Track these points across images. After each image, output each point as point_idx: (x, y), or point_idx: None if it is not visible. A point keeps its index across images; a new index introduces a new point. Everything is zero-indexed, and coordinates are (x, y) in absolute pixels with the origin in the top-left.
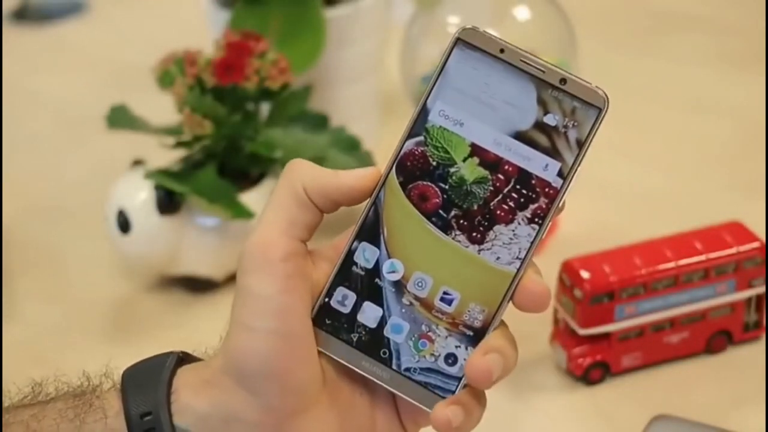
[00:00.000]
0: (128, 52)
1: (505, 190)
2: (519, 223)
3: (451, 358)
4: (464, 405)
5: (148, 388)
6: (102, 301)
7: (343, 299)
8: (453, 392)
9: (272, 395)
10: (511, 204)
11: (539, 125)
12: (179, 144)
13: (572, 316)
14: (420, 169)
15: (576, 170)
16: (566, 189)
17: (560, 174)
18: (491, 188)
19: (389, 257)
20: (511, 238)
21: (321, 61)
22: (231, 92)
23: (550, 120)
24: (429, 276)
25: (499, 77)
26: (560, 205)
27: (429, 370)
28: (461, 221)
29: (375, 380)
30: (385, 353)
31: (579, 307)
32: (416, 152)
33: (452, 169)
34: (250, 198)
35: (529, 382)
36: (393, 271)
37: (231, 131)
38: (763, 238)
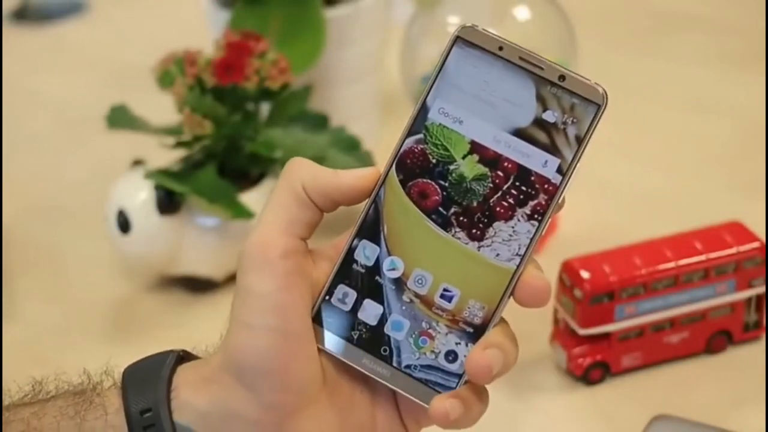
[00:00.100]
0: (128, 52)
1: (505, 187)
2: (518, 220)
3: (452, 355)
4: (463, 399)
5: (148, 385)
6: (102, 301)
7: (344, 297)
8: (453, 389)
9: (271, 392)
10: (511, 201)
11: (538, 122)
12: (179, 144)
13: (572, 316)
14: (420, 166)
15: (575, 167)
16: (566, 185)
17: (559, 170)
18: (491, 185)
19: (389, 255)
20: (510, 235)
21: (321, 61)
22: (231, 92)
23: (549, 117)
24: (429, 273)
25: (498, 75)
26: (560, 201)
27: (429, 367)
28: (461, 218)
29: (375, 378)
30: (385, 350)
31: (579, 307)
32: (416, 150)
33: (452, 167)
34: (250, 198)
35: (529, 382)
36: (393, 269)
37: (231, 131)
38: (763, 238)
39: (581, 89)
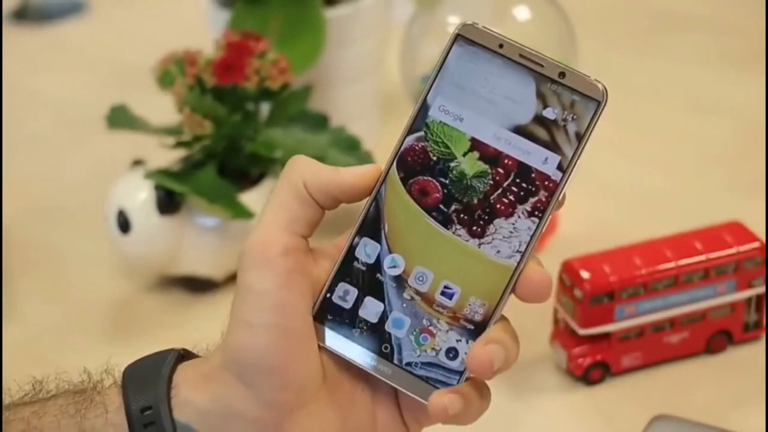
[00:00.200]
0: (128, 52)
1: (505, 184)
2: (519, 217)
3: (452, 353)
4: (463, 395)
5: (149, 383)
6: (102, 301)
7: (345, 294)
8: (454, 387)
9: (271, 390)
10: (511, 198)
11: (539, 119)
12: (179, 144)
13: (572, 316)
14: (420, 164)
15: (575, 163)
16: (566, 182)
17: (560, 167)
18: (491, 182)
19: (390, 252)
20: (511, 232)
21: (321, 61)
22: (231, 92)
23: (549, 113)
24: (430, 270)
25: (498, 72)
26: (560, 198)
27: (430, 364)
28: (461, 215)
29: (376, 375)
30: (386, 348)
31: (579, 307)
32: (417, 147)
33: (452, 164)
34: (250, 198)
35: (529, 382)
36: (394, 266)
37: (231, 131)
38: (763, 238)
39: (581, 86)
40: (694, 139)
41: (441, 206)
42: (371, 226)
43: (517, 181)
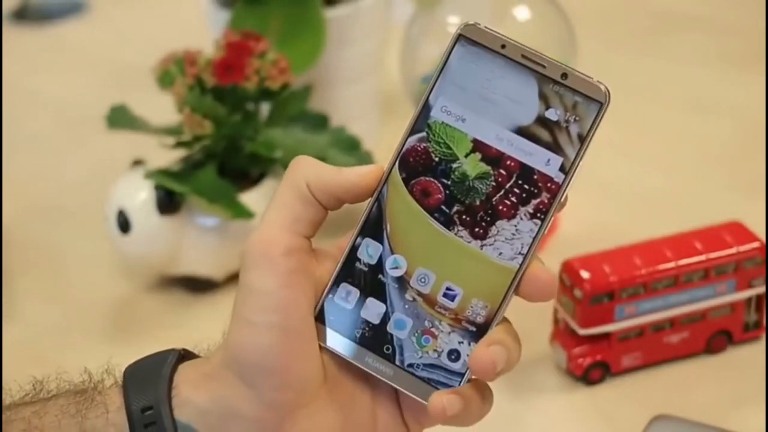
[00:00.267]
0: (128, 52)
1: (507, 186)
2: (521, 219)
3: (454, 354)
4: (463, 396)
5: (150, 383)
6: (102, 301)
7: (347, 295)
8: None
9: (272, 390)
10: (513, 199)
11: (541, 120)
12: (179, 144)
13: (572, 316)
14: (422, 165)
15: (578, 165)
16: (568, 184)
17: (562, 169)
18: (493, 184)
19: (392, 253)
20: (513, 234)
21: (321, 61)
22: (231, 92)
23: (551, 115)
24: (432, 272)
25: (500, 73)
26: (562, 200)
27: (432, 366)
28: (464, 217)
29: (378, 376)
30: (388, 349)
31: (579, 307)
32: (419, 148)
33: (454, 165)
34: (250, 198)
35: (529, 382)
36: (396, 267)
37: (231, 131)
38: (763, 238)
39: (584, 87)
40: (694, 139)
41: (443, 207)
42: (373, 227)
43: (520, 182)
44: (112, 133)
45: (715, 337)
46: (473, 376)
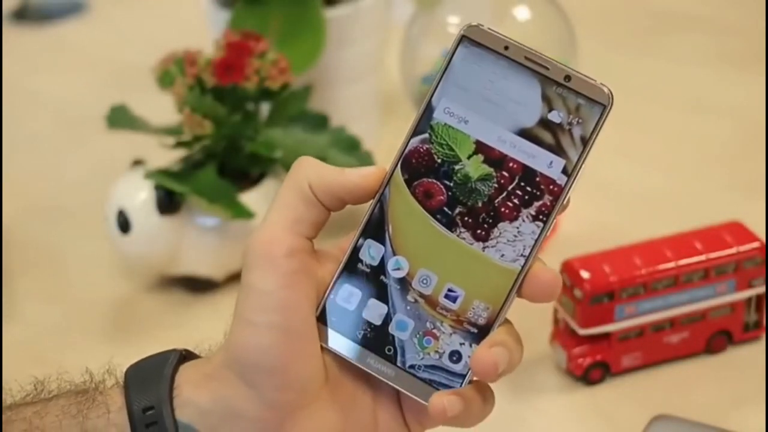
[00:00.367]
0: (128, 52)
1: (510, 188)
2: (523, 221)
3: (456, 356)
4: (463, 397)
5: (151, 383)
6: (102, 301)
7: (348, 296)
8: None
9: (273, 390)
10: (516, 201)
11: (544, 122)
12: (179, 144)
13: (572, 316)
14: (425, 166)
15: (580, 167)
16: (570, 186)
17: (564, 171)
18: (496, 185)
19: (394, 254)
20: (515, 236)
21: (321, 61)
22: (231, 92)
23: (554, 117)
24: (434, 273)
25: (503, 74)
26: (564, 202)
27: (433, 367)
28: (466, 218)
29: (379, 377)
30: (389, 350)
31: (579, 307)
32: (421, 149)
33: (457, 167)
34: (250, 198)
35: (529, 382)
36: (398, 268)
37: (231, 131)
38: (763, 238)
39: (587, 90)
40: (694, 139)
41: (445, 209)
42: (375, 228)
43: (522, 184)
44: (112, 133)
45: (715, 337)
46: (474, 378)
